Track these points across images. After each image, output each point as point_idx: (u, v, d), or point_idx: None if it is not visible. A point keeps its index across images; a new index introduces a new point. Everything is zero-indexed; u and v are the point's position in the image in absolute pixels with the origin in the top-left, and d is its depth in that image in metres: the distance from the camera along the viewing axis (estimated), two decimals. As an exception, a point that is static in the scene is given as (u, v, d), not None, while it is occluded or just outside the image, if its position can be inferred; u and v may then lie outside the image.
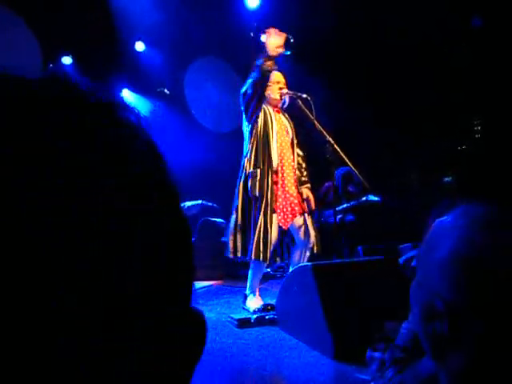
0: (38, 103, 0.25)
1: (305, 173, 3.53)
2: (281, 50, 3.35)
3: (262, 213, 3.23)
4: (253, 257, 3.20)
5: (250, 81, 3.28)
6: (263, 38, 3.48)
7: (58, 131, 0.24)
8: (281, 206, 3.32)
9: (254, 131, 3.33)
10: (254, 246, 3.18)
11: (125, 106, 0.29)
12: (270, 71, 3.27)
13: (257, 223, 3.21)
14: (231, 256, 3.36)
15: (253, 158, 3.32)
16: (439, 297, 0.69)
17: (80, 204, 0.23)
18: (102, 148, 0.25)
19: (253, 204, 3.28)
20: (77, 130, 0.25)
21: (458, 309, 0.67)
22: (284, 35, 3.39)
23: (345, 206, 5.15)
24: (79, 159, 0.23)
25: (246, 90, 3.30)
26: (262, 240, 3.18)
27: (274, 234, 3.24)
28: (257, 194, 3.25)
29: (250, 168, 3.32)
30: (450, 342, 0.69)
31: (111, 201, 0.24)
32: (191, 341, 0.29)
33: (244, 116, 3.40)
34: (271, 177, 3.30)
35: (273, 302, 3.15)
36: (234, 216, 3.37)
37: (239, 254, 3.30)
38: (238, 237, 3.29)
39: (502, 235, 0.64)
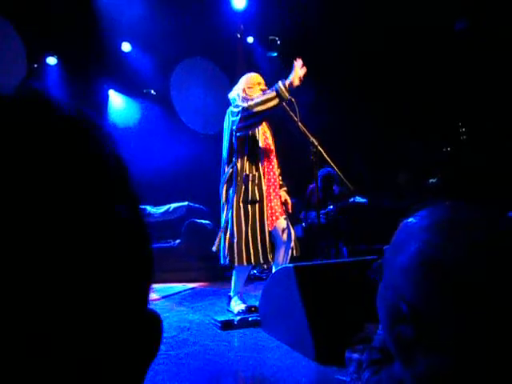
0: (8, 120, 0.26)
1: (280, 177, 3.55)
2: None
3: (259, 217, 3.24)
4: (245, 263, 3.21)
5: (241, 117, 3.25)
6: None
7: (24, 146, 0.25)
8: (267, 208, 3.33)
9: (241, 140, 3.34)
10: (261, 250, 3.18)
11: (95, 123, 0.30)
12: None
13: (256, 228, 3.21)
14: (247, 265, 3.29)
15: (245, 163, 3.31)
16: (403, 300, 0.69)
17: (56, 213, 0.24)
18: (72, 166, 0.26)
19: (250, 209, 3.25)
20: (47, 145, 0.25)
21: (422, 312, 0.66)
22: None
23: (331, 207, 5.17)
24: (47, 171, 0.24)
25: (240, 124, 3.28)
26: (259, 244, 3.19)
27: (268, 236, 3.25)
28: (257, 199, 3.26)
29: (242, 173, 3.30)
30: (414, 346, 0.68)
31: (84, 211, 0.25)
32: (147, 339, 0.31)
33: (232, 130, 3.38)
34: (263, 180, 3.32)
35: (257, 303, 3.15)
36: (230, 226, 3.27)
37: (252, 263, 3.26)
38: (247, 244, 3.21)
39: (463, 236, 0.64)
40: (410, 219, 0.75)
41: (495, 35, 5.79)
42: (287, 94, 3.12)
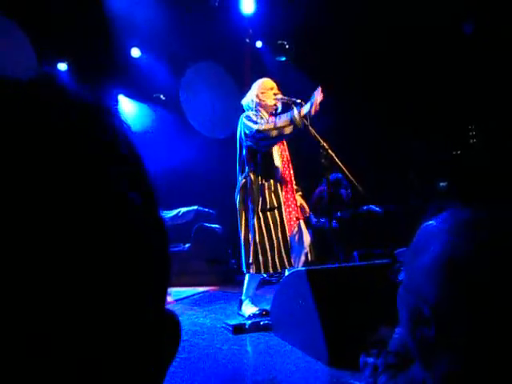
0: (27, 104, 0.25)
1: (294, 181, 3.54)
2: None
3: (280, 223, 3.24)
4: (285, 267, 3.22)
5: (260, 132, 3.22)
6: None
7: (44, 132, 0.24)
8: (286, 213, 3.33)
9: (253, 151, 3.35)
10: (277, 257, 3.19)
11: (110, 110, 0.30)
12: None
13: (278, 235, 3.22)
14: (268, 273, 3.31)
15: (259, 172, 3.32)
16: (426, 302, 0.69)
17: (64, 204, 0.23)
18: (86, 150, 0.25)
19: (269, 217, 3.25)
20: (63, 131, 0.25)
21: (445, 314, 0.66)
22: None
23: (342, 213, 5.18)
24: (63, 160, 0.24)
25: (258, 139, 3.26)
26: (283, 250, 3.20)
27: (288, 242, 3.25)
28: (275, 205, 3.26)
29: (257, 182, 3.31)
30: (437, 348, 0.68)
31: (95, 202, 0.24)
32: (167, 339, 0.30)
33: (242, 140, 3.40)
34: (279, 186, 3.32)
35: (268, 307, 3.14)
36: (252, 235, 3.27)
37: (278, 269, 3.26)
38: (272, 252, 3.21)
39: (484, 238, 0.64)
40: (430, 222, 0.75)
41: (500, 36, 5.76)
42: (301, 122, 3.15)
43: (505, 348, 0.62)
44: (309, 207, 5.42)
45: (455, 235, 0.67)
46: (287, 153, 3.50)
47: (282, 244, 3.20)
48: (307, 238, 3.36)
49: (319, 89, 3.16)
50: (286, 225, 3.25)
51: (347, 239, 4.91)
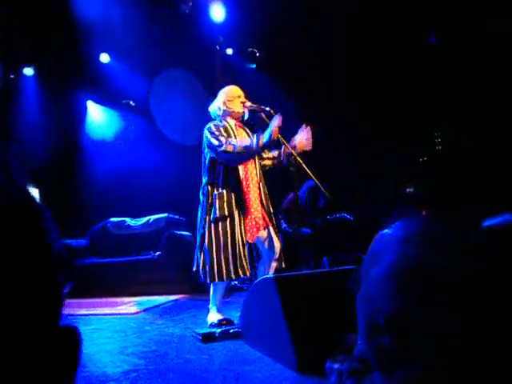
0: None
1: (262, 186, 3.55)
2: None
3: (230, 232, 3.21)
4: (216, 279, 3.19)
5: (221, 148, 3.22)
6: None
7: None
8: (246, 221, 3.31)
9: (214, 161, 3.36)
10: (232, 266, 3.16)
11: (37, 211, 0.33)
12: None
13: (227, 244, 3.19)
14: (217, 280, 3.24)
15: (217, 182, 3.32)
16: (380, 311, 0.70)
17: None
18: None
19: (220, 226, 3.23)
20: None
21: (398, 323, 0.67)
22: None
23: (316, 220, 5.23)
24: None
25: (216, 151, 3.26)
26: (233, 259, 3.17)
27: (242, 250, 3.22)
28: (226, 214, 3.22)
29: (214, 191, 3.30)
30: (392, 356, 0.69)
31: None
32: (61, 354, 0.31)
33: (206, 153, 3.41)
34: (239, 193, 3.29)
35: (237, 314, 3.13)
36: (204, 245, 3.27)
37: (232, 277, 3.23)
38: (219, 262, 3.19)
39: (435, 247, 0.66)
40: (386, 230, 0.77)
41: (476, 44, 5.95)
42: (260, 150, 3.22)
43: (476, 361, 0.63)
44: (281, 212, 5.46)
45: (408, 245, 0.68)
46: (254, 159, 3.46)
47: (230, 254, 3.17)
48: (277, 245, 3.36)
49: (278, 116, 3.13)
50: (237, 234, 3.21)
51: (318, 245, 4.95)
